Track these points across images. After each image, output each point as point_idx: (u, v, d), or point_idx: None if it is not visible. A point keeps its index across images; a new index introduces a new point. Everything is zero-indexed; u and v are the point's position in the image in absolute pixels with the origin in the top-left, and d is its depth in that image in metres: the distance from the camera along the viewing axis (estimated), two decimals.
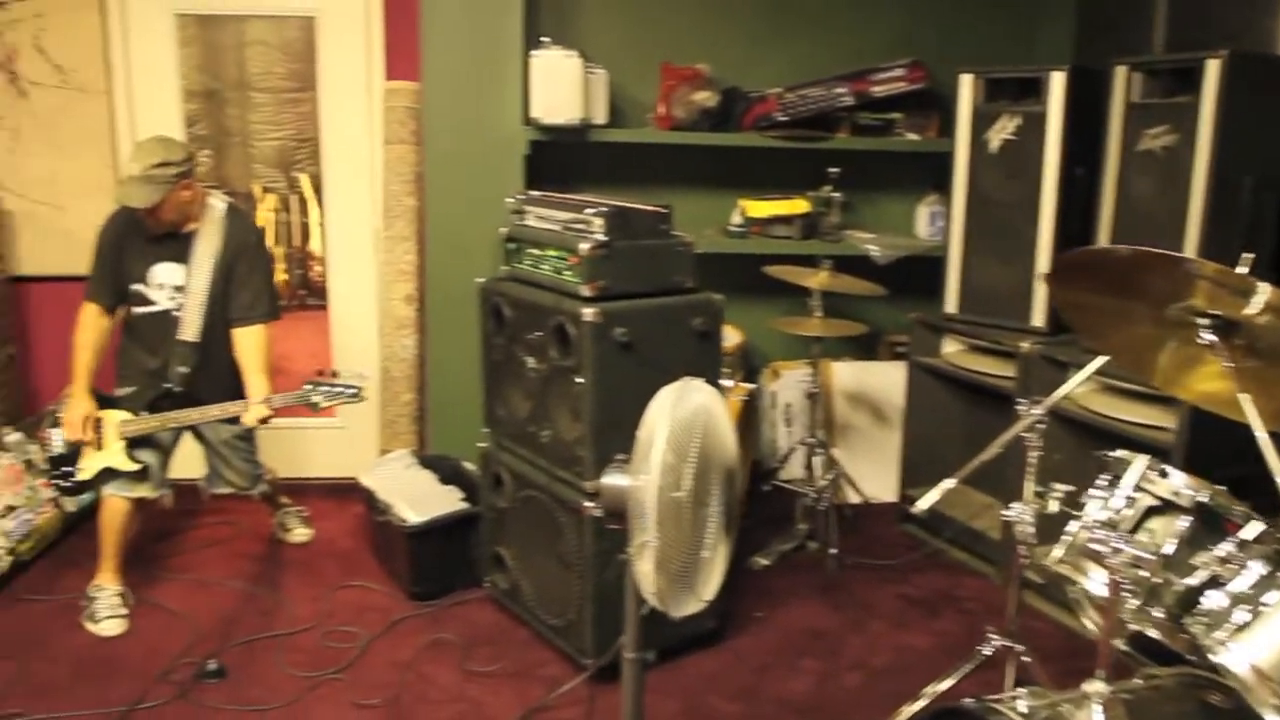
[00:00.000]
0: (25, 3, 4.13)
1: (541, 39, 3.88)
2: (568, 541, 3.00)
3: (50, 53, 4.19)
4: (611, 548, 2.84)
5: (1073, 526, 2.14)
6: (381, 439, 4.34)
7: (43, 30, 4.16)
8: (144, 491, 3.37)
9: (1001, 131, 3.68)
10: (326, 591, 3.60)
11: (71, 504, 3.96)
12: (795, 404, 4.45)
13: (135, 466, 3.34)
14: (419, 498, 3.57)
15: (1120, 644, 2.23)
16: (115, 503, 3.37)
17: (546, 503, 3.09)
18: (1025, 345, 3.51)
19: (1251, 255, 1.96)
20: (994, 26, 4.40)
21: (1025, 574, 2.73)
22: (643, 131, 4.18)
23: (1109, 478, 2.13)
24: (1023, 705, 1.98)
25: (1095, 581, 2.09)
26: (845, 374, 4.47)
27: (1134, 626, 2.07)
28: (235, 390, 3.41)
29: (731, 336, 4.07)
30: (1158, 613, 1.98)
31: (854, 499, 4.27)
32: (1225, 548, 1.92)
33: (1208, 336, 1.98)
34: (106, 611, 3.34)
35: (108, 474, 3.35)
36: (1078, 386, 2.70)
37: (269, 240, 4.34)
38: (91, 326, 3.41)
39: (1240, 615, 1.85)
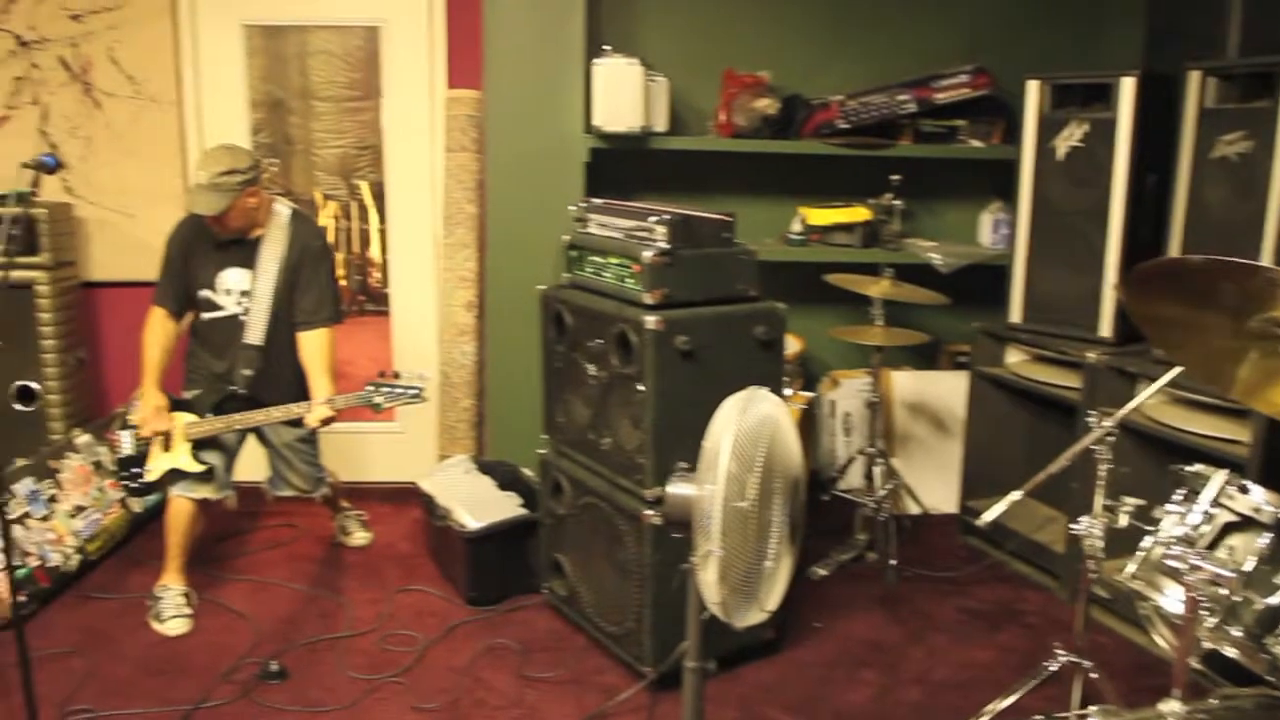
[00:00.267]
0: (101, 15, 4.24)
1: (603, 47, 3.89)
2: (627, 549, 3.00)
3: (123, 64, 4.28)
4: (671, 556, 2.82)
5: (1147, 542, 2.09)
6: (440, 444, 4.37)
7: (117, 43, 4.27)
8: (209, 493, 3.43)
9: (1069, 138, 3.62)
10: (386, 595, 3.63)
11: (138, 504, 4.04)
12: (854, 413, 4.41)
13: (201, 468, 3.39)
14: (478, 503, 3.58)
15: (1194, 662, 2.18)
16: (181, 503, 3.42)
17: (606, 510, 3.08)
18: (1092, 356, 3.45)
19: None
20: (1060, 31, 4.33)
21: (1092, 589, 2.67)
22: (703, 139, 4.17)
23: (1185, 492, 2.08)
24: None
25: (1171, 599, 2.04)
26: (905, 383, 4.42)
27: (1209, 645, 2.02)
28: (298, 393, 3.45)
29: (791, 345, 4.05)
30: (1236, 631, 1.93)
31: (913, 510, 4.22)
32: None
33: None
34: (172, 611, 3.39)
35: (174, 475, 3.41)
36: (1148, 398, 2.64)
37: None
38: (159, 330, 3.48)
39: None
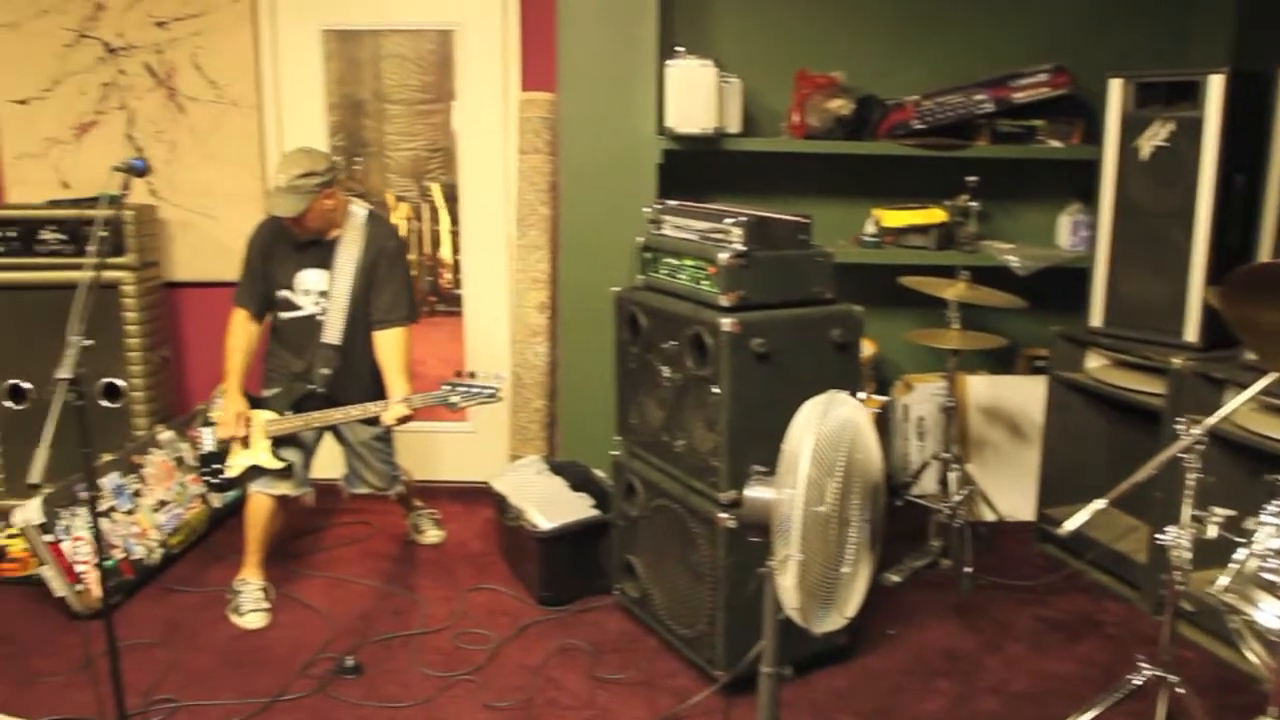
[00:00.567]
0: (185, 22, 4.34)
1: (676, 48, 3.89)
2: (700, 552, 2.99)
3: (206, 69, 4.38)
4: (745, 560, 2.81)
5: (1241, 554, 2.03)
6: (512, 444, 4.40)
7: (200, 48, 4.37)
8: (287, 489, 3.49)
9: (1153, 138, 3.53)
10: (458, 593, 3.66)
11: (218, 500, 4.13)
12: (928, 418, 4.35)
13: (280, 465, 3.46)
14: (550, 504, 3.60)
15: None
16: (260, 499, 3.49)
17: (679, 512, 3.08)
18: (1177, 361, 3.36)
19: None
20: (1143, 28, 4.22)
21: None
22: (776, 140, 4.14)
23: None
24: None
25: (1267, 613, 1.98)
26: (981, 388, 4.35)
27: None
28: (375, 391, 3.50)
29: (864, 348, 4.00)
30: None
31: (988, 516, 4.16)
32: None
33: None
34: (250, 605, 3.46)
35: (254, 471, 3.48)
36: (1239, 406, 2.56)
37: None
38: (240, 331, 3.55)
39: None
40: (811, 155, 4.17)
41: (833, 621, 2.16)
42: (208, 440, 3.58)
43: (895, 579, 3.72)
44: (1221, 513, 2.31)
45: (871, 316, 3.04)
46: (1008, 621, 3.49)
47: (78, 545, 3.43)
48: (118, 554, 3.56)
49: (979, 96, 4.04)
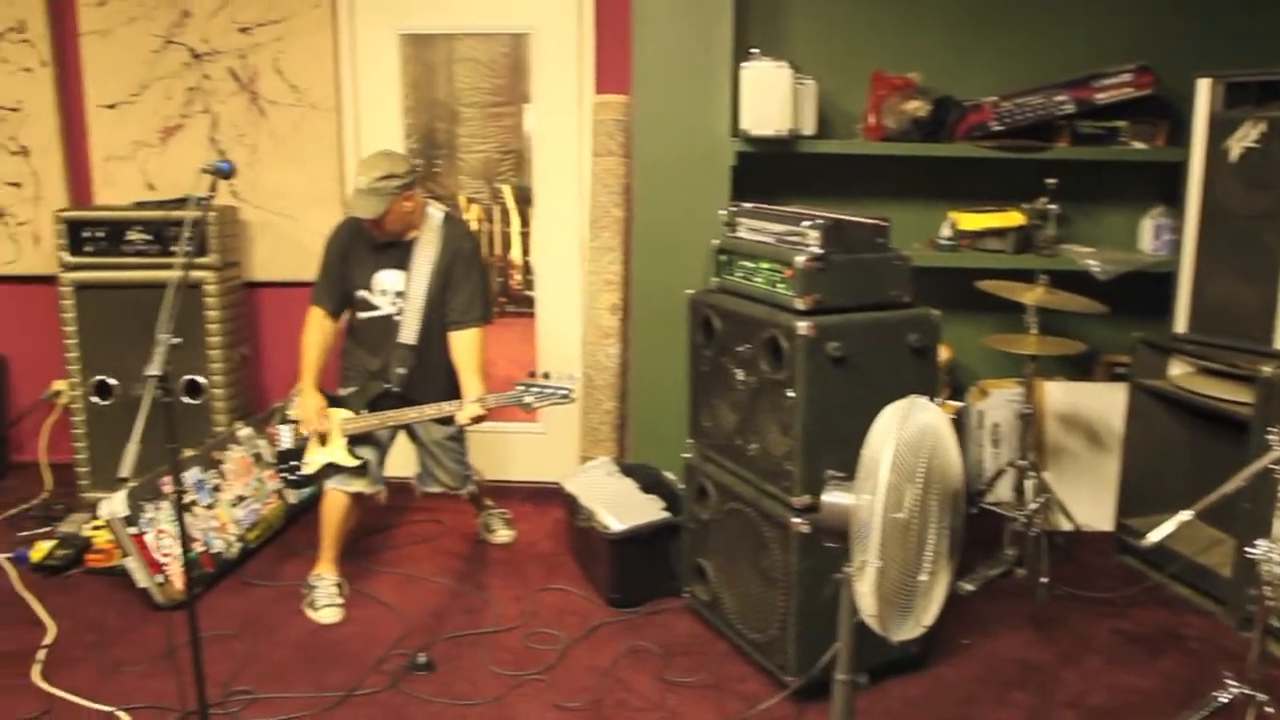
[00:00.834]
0: (268, 28, 4.43)
1: (751, 50, 3.87)
2: (772, 556, 2.97)
3: (287, 73, 4.47)
4: (818, 565, 2.79)
5: None
6: (582, 445, 4.41)
7: (281, 53, 4.46)
8: (362, 487, 3.54)
9: (1243, 139, 3.43)
10: (528, 593, 3.69)
11: (294, 496, 4.21)
12: (1004, 424, 4.28)
13: (355, 462, 3.51)
14: (621, 505, 3.61)
15: None
16: (336, 496, 3.54)
17: (752, 516, 3.06)
18: (1267, 369, 3.26)
19: None
20: (1230, 27, 4.10)
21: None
22: (852, 142, 4.11)
23: None
24: None
25: None
26: (1058, 394, 4.26)
27: None
28: (450, 391, 3.53)
29: (940, 353, 3.95)
30: None
31: (1065, 526, 4.07)
32: None
33: None
34: (325, 600, 3.51)
35: (330, 469, 3.53)
36: None
37: None
38: (317, 329, 3.61)
39: None
40: (886, 157, 4.12)
41: (910, 629, 2.14)
42: (285, 437, 3.64)
43: (969, 588, 3.66)
44: None
45: (946, 321, 2.99)
46: (1085, 634, 3.41)
47: (160, 538, 3.52)
48: (198, 547, 3.65)
49: (1059, 97, 3.96)
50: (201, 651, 2.58)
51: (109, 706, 2.94)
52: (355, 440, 3.52)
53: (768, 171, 4.09)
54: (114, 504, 3.45)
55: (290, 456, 3.62)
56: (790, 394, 2.81)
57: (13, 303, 4.82)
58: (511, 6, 4.40)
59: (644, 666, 3.19)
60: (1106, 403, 4.17)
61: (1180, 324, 3.69)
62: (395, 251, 3.55)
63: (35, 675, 3.11)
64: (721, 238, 3.23)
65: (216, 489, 3.84)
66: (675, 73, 3.93)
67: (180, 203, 4.32)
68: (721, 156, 3.93)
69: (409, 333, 3.54)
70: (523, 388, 3.41)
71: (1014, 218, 4.07)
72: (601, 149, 4.23)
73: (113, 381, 4.38)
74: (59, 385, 4.76)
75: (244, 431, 4.12)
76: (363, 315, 3.61)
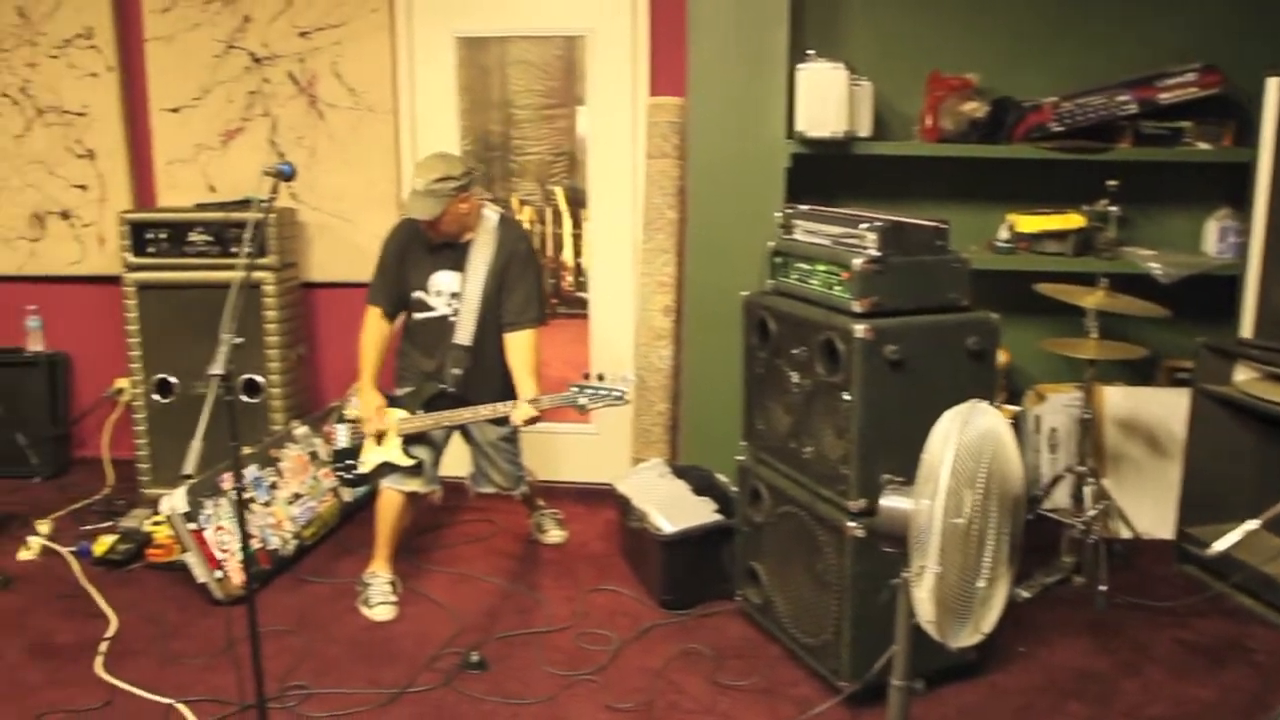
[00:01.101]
0: (326, 32, 4.49)
1: (807, 51, 3.85)
2: (826, 560, 2.95)
3: (345, 77, 4.53)
4: (873, 569, 2.76)
5: None
6: (634, 447, 4.42)
7: (340, 57, 4.51)
8: (417, 486, 3.56)
9: None
10: (580, 594, 3.69)
11: (348, 494, 4.25)
12: (1061, 429, 4.21)
13: (411, 462, 3.53)
14: (673, 507, 3.60)
15: None
16: (391, 495, 3.57)
17: (806, 520, 3.04)
18: None
19: None
20: None
21: None
22: (908, 144, 4.07)
23: None
24: None
25: None
26: (1118, 399, 4.19)
27: None
28: (504, 392, 3.55)
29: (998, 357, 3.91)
30: None
31: (1124, 533, 3.99)
32: None
33: None
34: (379, 598, 3.54)
35: (385, 468, 3.56)
36: None
37: None
38: (375, 329, 3.65)
39: None
40: (943, 159, 4.09)
41: (969, 636, 2.11)
42: (342, 437, 3.68)
43: (1025, 595, 3.61)
44: None
45: (1003, 324, 2.96)
46: (1145, 643, 3.35)
47: (219, 534, 3.57)
48: (254, 544, 3.70)
49: (1122, 97, 3.90)
50: (260, 646, 2.62)
51: (169, 699, 2.99)
52: (410, 440, 3.55)
53: (822, 173, 4.07)
54: (174, 500, 3.52)
55: (346, 456, 3.66)
56: (846, 397, 2.79)
57: (78, 302, 4.93)
58: (567, 9, 4.42)
59: (696, 669, 3.18)
60: (1168, 408, 4.09)
61: (1246, 329, 3.61)
62: (451, 253, 3.58)
63: (98, 667, 3.18)
64: (777, 240, 3.21)
65: (274, 487, 3.89)
66: (730, 74, 3.92)
67: (240, 204, 4.40)
68: (776, 158, 3.92)
69: (464, 334, 3.56)
70: (577, 389, 3.41)
71: (1074, 220, 4.01)
72: (656, 151, 4.24)
73: (173, 380, 4.46)
74: (121, 383, 4.86)
75: (300, 430, 4.18)
76: (418, 316, 3.64)
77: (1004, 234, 4.10)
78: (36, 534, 4.07)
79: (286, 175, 2.74)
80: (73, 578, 3.79)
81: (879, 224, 2.79)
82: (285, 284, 4.41)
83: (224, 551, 3.57)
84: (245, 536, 2.50)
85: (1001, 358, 4.01)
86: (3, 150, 4.77)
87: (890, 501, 2.06)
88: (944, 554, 1.95)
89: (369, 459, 3.59)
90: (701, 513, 3.60)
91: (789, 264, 3.13)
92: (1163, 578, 3.80)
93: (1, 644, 3.32)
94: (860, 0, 4.16)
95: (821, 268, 2.94)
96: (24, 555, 3.96)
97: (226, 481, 3.67)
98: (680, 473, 3.90)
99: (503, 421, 3.59)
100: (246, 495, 3.73)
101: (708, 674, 3.15)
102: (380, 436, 3.56)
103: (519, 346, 3.55)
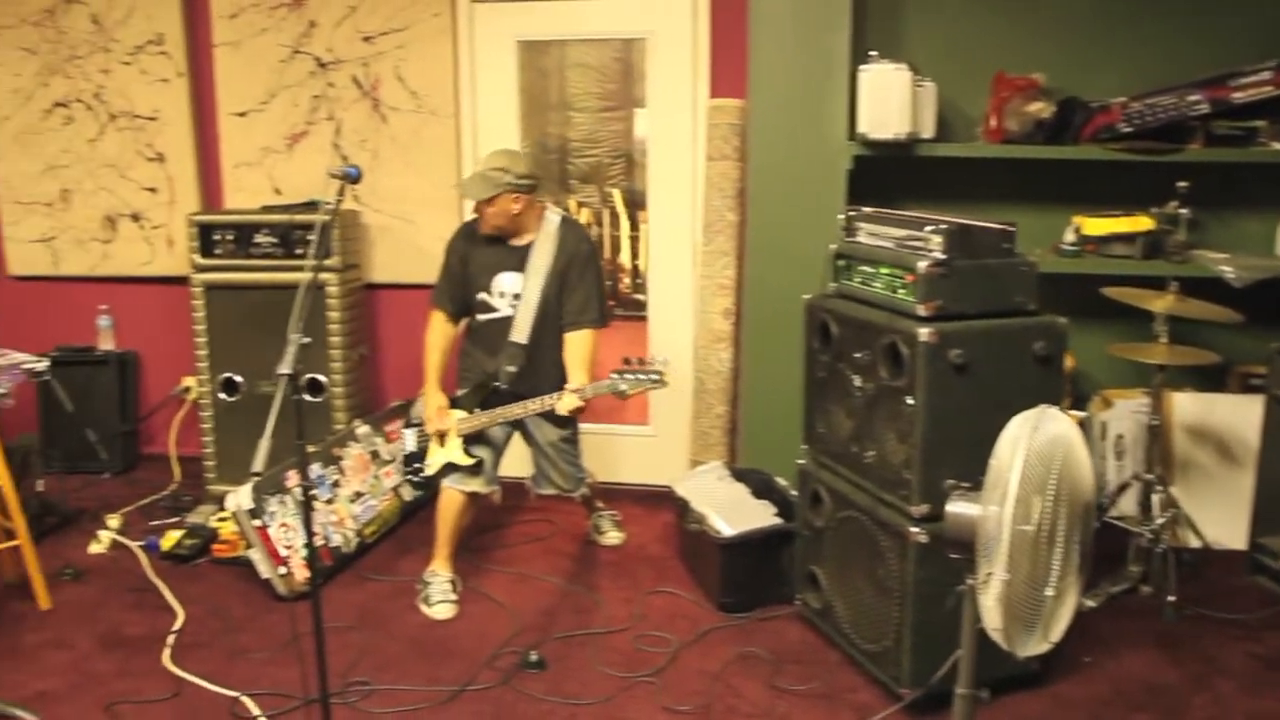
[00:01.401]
0: (390, 36, 4.55)
1: (870, 53, 3.82)
2: (888, 566, 2.92)
3: (408, 81, 4.58)
4: (936, 575, 2.73)
5: None
6: (693, 449, 4.41)
7: (403, 60, 4.57)
8: (477, 486, 3.59)
9: None
10: (638, 595, 3.70)
11: (408, 493, 4.29)
12: (1128, 435, 4.13)
13: (471, 461, 3.56)
14: (732, 510, 3.59)
15: None
16: (452, 495, 3.60)
17: (867, 525, 3.02)
18: None
19: None
20: None
21: None
22: (973, 145, 4.02)
23: None
24: None
25: None
26: (1187, 406, 4.10)
27: None
28: (557, 389, 3.56)
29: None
30: None
31: (1194, 543, 3.91)
32: None
33: None
34: (439, 596, 3.58)
35: (446, 468, 3.60)
36: None
37: None
38: (439, 332, 3.69)
39: None
40: (1006, 160, 4.02)
41: (1036, 645, 2.08)
42: (409, 440, 3.73)
43: (1090, 604, 3.54)
44: None
45: (1069, 328, 2.91)
46: (1216, 656, 3.27)
47: (283, 531, 3.63)
48: (317, 541, 3.75)
49: (1193, 97, 3.81)
50: (326, 641, 2.65)
51: (234, 691, 3.04)
52: (471, 440, 3.58)
53: (884, 175, 4.03)
54: (240, 497, 3.58)
55: (414, 459, 3.71)
56: (910, 401, 2.76)
57: (147, 302, 5.05)
58: (628, 12, 4.42)
59: (754, 673, 3.17)
60: (1240, 415, 3.99)
61: None
62: (514, 254, 3.60)
63: (165, 658, 3.24)
64: (839, 242, 3.19)
65: (336, 485, 3.95)
66: (792, 76, 3.90)
67: (304, 206, 4.46)
68: (838, 160, 3.89)
69: (520, 331, 3.58)
70: (616, 375, 3.39)
71: (1142, 222, 3.93)
72: (716, 153, 4.23)
73: (239, 378, 4.54)
74: (188, 381, 4.96)
75: (362, 429, 4.23)
76: (482, 317, 3.67)
77: (1070, 237, 4.03)
78: (106, 528, 4.17)
79: (353, 178, 2.77)
80: (141, 571, 3.88)
81: (945, 226, 2.75)
82: (348, 285, 4.46)
83: (287, 548, 3.62)
84: (310, 533, 2.53)
85: (1067, 363, 3.96)
86: (77, 154, 4.90)
87: (957, 507, 2.04)
88: (1012, 561, 1.92)
89: (434, 460, 3.63)
90: (761, 516, 3.58)
91: (852, 267, 3.11)
92: (1233, 589, 3.71)
93: (74, 634, 3.41)
94: (923, 0, 4.12)
95: (885, 271, 2.91)
96: (94, 549, 4.06)
97: (291, 479, 3.73)
98: (739, 476, 3.89)
99: (562, 423, 3.61)
100: (310, 493, 3.79)
101: (766, 678, 3.14)
102: (442, 437, 3.60)
103: (577, 345, 3.56)
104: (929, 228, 2.79)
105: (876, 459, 2.96)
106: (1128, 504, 3.86)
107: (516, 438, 3.75)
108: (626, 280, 6.02)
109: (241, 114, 4.75)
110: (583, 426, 3.82)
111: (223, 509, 3.97)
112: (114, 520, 4.24)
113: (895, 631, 2.91)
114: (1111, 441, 4.17)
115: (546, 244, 3.58)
